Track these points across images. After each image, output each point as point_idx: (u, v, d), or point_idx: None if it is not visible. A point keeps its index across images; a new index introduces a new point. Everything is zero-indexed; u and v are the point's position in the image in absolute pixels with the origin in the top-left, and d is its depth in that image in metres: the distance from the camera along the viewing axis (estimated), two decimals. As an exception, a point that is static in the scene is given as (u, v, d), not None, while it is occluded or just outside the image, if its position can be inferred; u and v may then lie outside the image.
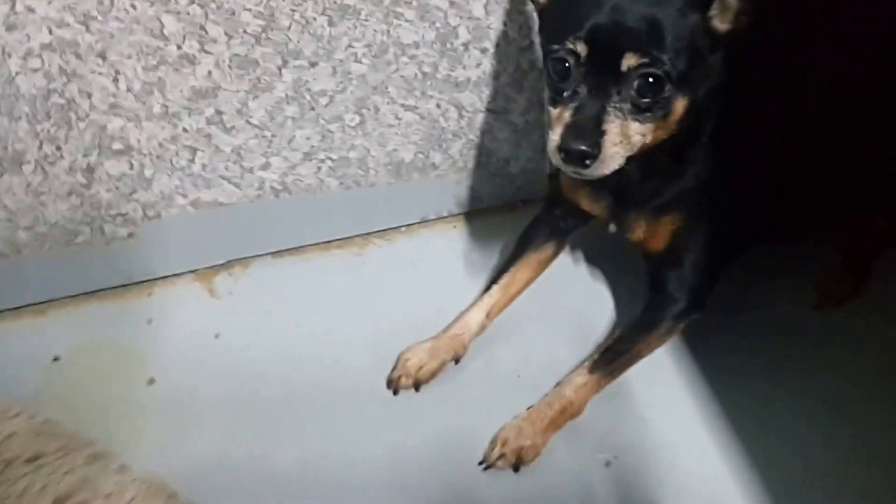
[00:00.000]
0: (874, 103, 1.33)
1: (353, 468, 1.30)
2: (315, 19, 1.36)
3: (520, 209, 1.69)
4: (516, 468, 1.28)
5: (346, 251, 1.64)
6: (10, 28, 1.23)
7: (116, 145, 1.39)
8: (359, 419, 1.37)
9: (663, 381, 1.40)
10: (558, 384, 1.34)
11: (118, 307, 1.54)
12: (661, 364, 1.41)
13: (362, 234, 1.65)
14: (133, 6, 1.27)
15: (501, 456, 1.28)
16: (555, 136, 1.09)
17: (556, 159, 1.10)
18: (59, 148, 1.36)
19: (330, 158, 1.52)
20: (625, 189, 1.26)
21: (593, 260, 1.60)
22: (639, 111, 1.09)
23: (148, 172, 1.43)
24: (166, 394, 1.42)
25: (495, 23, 1.45)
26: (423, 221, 1.68)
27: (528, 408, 1.33)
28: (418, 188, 1.62)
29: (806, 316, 1.48)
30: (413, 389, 1.40)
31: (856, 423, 1.34)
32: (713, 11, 1.10)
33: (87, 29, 1.27)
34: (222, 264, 1.60)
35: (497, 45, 1.48)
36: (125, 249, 1.51)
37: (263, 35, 1.35)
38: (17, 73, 1.27)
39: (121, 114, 1.36)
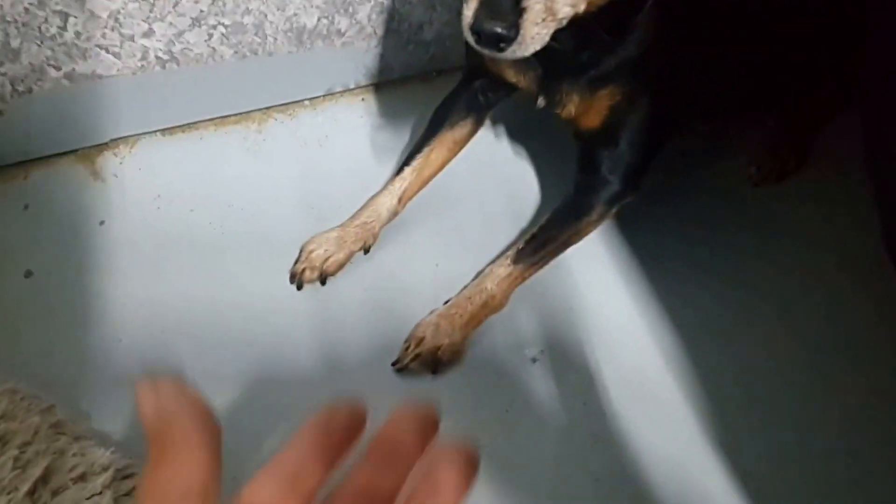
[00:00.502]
0: None
1: (250, 376, 1.19)
2: None
3: (435, 80, 1.55)
4: (434, 370, 1.18)
5: (243, 127, 1.48)
6: None
7: None
8: (260, 316, 1.25)
9: (593, 270, 1.32)
10: (478, 275, 1.24)
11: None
12: (591, 251, 1.32)
13: (261, 109, 1.49)
14: None
15: (416, 357, 1.17)
16: (468, 12, 0.91)
17: (469, 39, 0.93)
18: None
19: (222, 24, 1.35)
20: (556, 59, 1.07)
21: (516, 136, 1.48)
22: None
23: (14, 42, 1.25)
24: (45, 287, 1.27)
25: None
26: (329, 94, 1.52)
27: (446, 302, 1.22)
28: (322, 57, 1.46)
29: (744, 196, 1.40)
30: (319, 283, 1.28)
31: (781, 305, 1.29)
32: None
33: None
34: (106, 143, 1.42)
35: None
36: (-6, 128, 1.34)
37: None
38: None
39: None
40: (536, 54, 0.95)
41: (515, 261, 1.22)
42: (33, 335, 1.21)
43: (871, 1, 0.95)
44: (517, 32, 0.90)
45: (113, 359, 1.20)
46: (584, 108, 1.16)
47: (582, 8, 0.94)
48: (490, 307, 1.22)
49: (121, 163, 1.42)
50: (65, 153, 1.41)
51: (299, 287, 1.28)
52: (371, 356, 1.21)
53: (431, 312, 1.22)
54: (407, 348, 1.19)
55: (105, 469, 1.02)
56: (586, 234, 1.25)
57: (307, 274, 1.28)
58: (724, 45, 1.16)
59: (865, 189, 1.12)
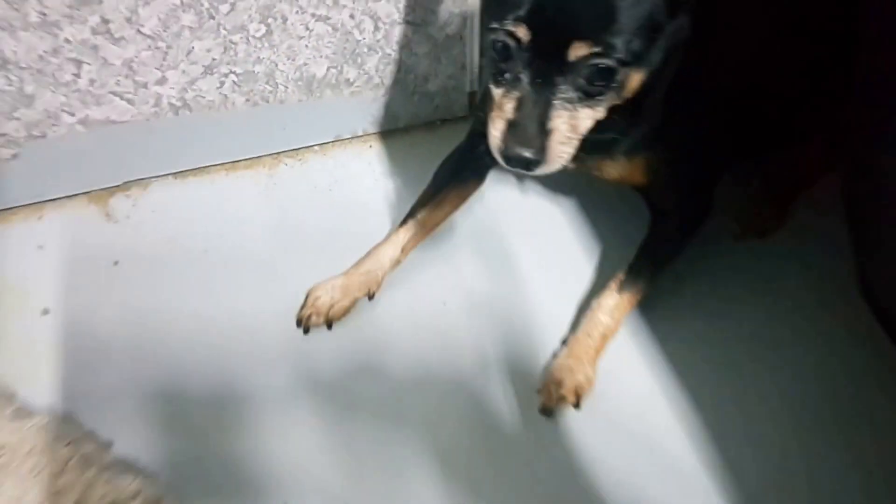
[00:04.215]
0: (805, 40, 1.20)
1: (265, 406, 1.15)
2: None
3: (439, 128, 1.52)
4: (577, 405, 1.15)
5: (254, 171, 1.45)
6: None
7: None
8: (269, 357, 1.21)
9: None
10: (589, 310, 1.21)
11: (5, 232, 1.34)
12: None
13: (272, 154, 1.47)
14: None
15: (561, 398, 1.14)
16: (496, 133, 0.95)
17: (498, 159, 0.95)
18: None
19: (234, 73, 1.32)
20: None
21: (512, 182, 1.44)
22: (589, 97, 0.94)
23: (28, 88, 1.22)
24: (63, 325, 1.24)
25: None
26: (338, 140, 1.49)
27: (563, 342, 1.21)
28: (331, 105, 1.43)
29: (727, 248, 1.36)
30: (325, 327, 1.23)
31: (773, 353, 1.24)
32: None
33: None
34: (119, 185, 1.40)
35: (415, -48, 1.28)
36: (9, 171, 1.30)
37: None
38: None
39: None
40: None
41: (620, 290, 1.20)
42: (52, 370, 1.18)
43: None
44: (545, 155, 0.93)
45: (129, 391, 1.16)
46: (626, 172, 1.18)
47: (601, 117, 0.96)
48: (608, 336, 1.20)
49: (134, 205, 1.39)
50: (78, 195, 1.38)
51: (306, 331, 1.23)
52: (371, 392, 1.16)
53: (555, 356, 1.20)
54: (549, 394, 1.16)
55: (134, 496, 1.01)
56: (673, 260, 1.26)
57: (313, 319, 1.24)
58: (729, 105, 1.16)
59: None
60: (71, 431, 1.08)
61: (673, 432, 1.15)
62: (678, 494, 1.08)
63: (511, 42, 0.93)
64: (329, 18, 1.31)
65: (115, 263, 1.32)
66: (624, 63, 0.92)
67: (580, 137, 0.96)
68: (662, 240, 1.25)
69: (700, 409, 1.17)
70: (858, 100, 1.06)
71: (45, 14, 1.15)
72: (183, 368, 1.20)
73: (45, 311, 1.26)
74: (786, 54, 1.20)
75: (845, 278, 1.22)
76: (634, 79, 0.95)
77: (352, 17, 1.32)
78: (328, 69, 1.37)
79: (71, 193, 1.37)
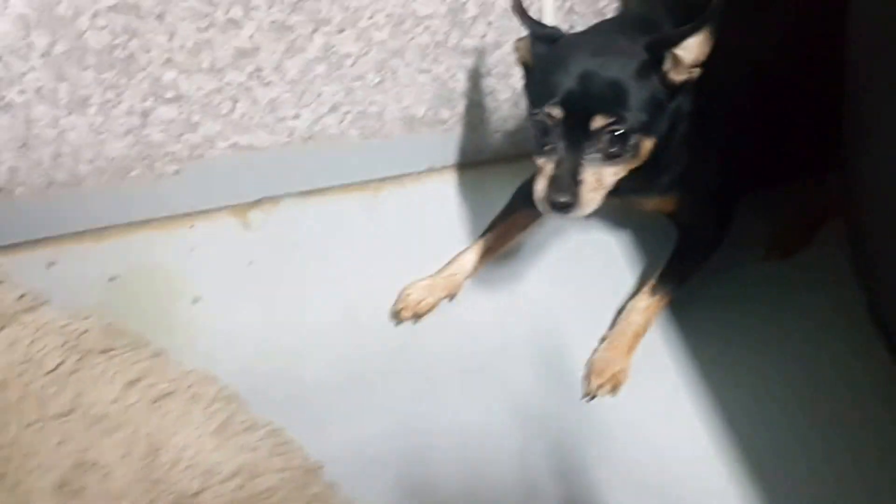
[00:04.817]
0: (817, 81, 1.40)
1: (361, 388, 1.43)
2: (344, -8, 1.45)
3: (515, 161, 1.78)
4: (613, 391, 1.42)
5: (363, 193, 1.74)
6: (82, -10, 1.33)
7: (169, 94, 1.48)
8: (370, 341, 1.49)
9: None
10: (624, 311, 1.47)
11: (165, 235, 1.65)
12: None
13: (378, 179, 1.75)
14: (188, -25, 1.36)
15: (601, 385, 1.41)
16: (540, 188, 1.22)
17: (542, 208, 1.23)
18: (119, 94, 1.46)
19: (352, 112, 1.62)
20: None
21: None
22: (610, 158, 1.21)
23: (195, 118, 1.53)
24: (209, 311, 1.54)
25: (500, 0, 1.54)
26: (431, 169, 1.78)
27: (603, 339, 1.46)
28: (428, 140, 1.72)
29: (752, 264, 1.59)
30: (414, 320, 1.51)
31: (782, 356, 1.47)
32: (667, 66, 1.21)
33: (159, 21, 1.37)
34: (256, 201, 1.70)
35: (500, 18, 1.57)
36: (172, 184, 1.61)
37: (298, 4, 1.44)
38: (86, 30, 1.37)
39: (174, 67, 1.45)
40: None
41: (652, 293, 1.46)
42: (200, 347, 1.47)
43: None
44: (577, 200, 1.20)
45: (260, 370, 1.45)
46: (660, 205, 1.46)
47: (623, 174, 1.24)
48: (640, 334, 1.46)
49: (266, 217, 1.69)
50: (223, 207, 1.68)
51: (397, 323, 1.51)
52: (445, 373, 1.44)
53: (595, 351, 1.45)
54: (590, 380, 1.42)
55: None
56: (697, 271, 1.50)
57: (404, 313, 1.51)
58: (747, 139, 1.41)
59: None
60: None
61: (690, 421, 1.39)
62: (691, 479, 1.32)
63: (549, 121, 1.21)
64: (430, 71, 1.60)
65: (250, 263, 1.62)
66: (633, 130, 1.19)
67: (607, 189, 1.22)
68: (688, 253, 1.49)
69: (718, 403, 1.40)
70: (846, 119, 1.28)
71: (214, 62, 1.46)
72: (299, 345, 1.49)
73: (196, 300, 1.56)
74: (794, 97, 1.41)
75: (857, 300, 1.43)
76: (646, 143, 1.22)
77: (448, 70, 1.61)
78: (426, 110, 1.66)
79: (217, 206, 1.68)
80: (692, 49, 1.19)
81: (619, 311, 1.49)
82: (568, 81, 1.19)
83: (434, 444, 1.36)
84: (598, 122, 1.19)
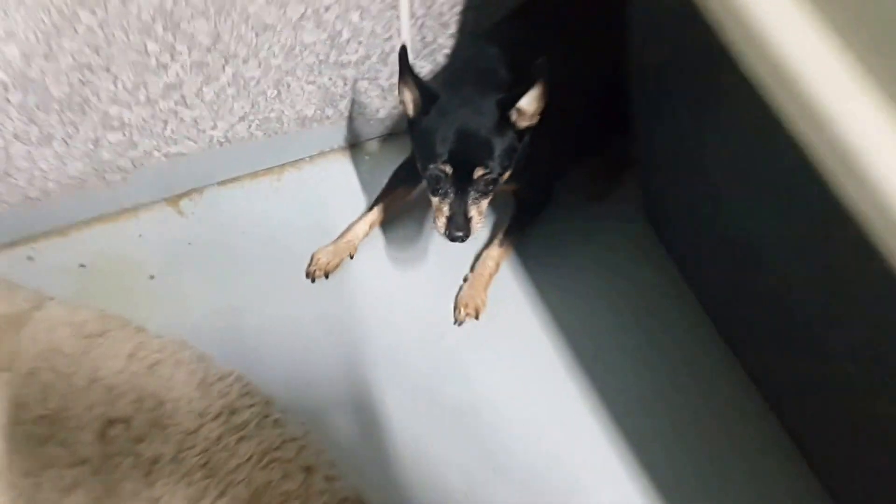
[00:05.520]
0: (601, 88, 1.87)
1: (291, 331, 1.88)
2: (245, 33, 1.87)
3: (386, 140, 2.22)
4: (477, 317, 1.87)
5: (269, 177, 2.12)
6: (46, 58, 1.71)
7: (115, 123, 1.87)
8: (293, 296, 1.94)
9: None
10: (480, 258, 1.93)
11: (118, 226, 2.02)
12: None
13: (279, 165, 2.15)
14: (126, 37, 1.75)
15: (467, 314, 1.86)
16: (440, 224, 1.65)
17: (444, 237, 1.65)
18: (77, 128, 1.84)
19: (257, 119, 2.05)
20: None
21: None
22: (486, 194, 1.65)
23: (135, 138, 1.93)
24: (164, 284, 1.94)
25: (367, 25, 1.98)
26: (321, 153, 2.20)
27: (465, 279, 1.92)
28: (318, 132, 2.14)
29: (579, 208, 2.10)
30: (324, 278, 1.95)
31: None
32: (514, 117, 1.60)
33: (97, 54, 1.75)
34: (186, 192, 2.08)
35: (368, 38, 2.01)
36: (120, 188, 2.01)
37: (212, 46, 1.85)
38: (50, 85, 1.75)
39: (118, 103, 1.84)
40: None
41: (501, 245, 1.92)
42: (161, 313, 1.91)
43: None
44: (470, 232, 1.65)
45: (210, 325, 1.92)
46: (505, 188, 1.80)
47: (492, 197, 1.69)
48: (494, 273, 1.91)
49: (196, 204, 2.08)
50: (160, 200, 2.10)
51: (312, 280, 1.96)
52: (360, 315, 1.94)
53: (461, 288, 1.91)
54: (459, 310, 1.87)
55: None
56: (533, 227, 1.98)
57: (317, 273, 1.96)
58: (563, 134, 1.83)
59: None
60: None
61: (534, 331, 1.89)
62: (538, 372, 1.84)
63: (440, 174, 1.61)
64: (316, 82, 2.03)
65: (189, 243, 2.04)
66: (501, 173, 1.63)
67: (484, 214, 1.66)
68: (525, 216, 1.98)
69: (554, 317, 1.90)
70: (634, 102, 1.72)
71: (149, 96, 1.87)
72: (239, 303, 1.92)
73: (152, 276, 1.97)
74: (590, 102, 1.87)
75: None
76: (506, 175, 1.66)
77: (330, 79, 2.06)
78: (315, 111, 2.10)
79: (156, 200, 2.09)
80: (532, 102, 1.58)
81: (476, 259, 1.98)
82: (451, 143, 1.59)
83: (334, 364, 1.85)
84: (477, 173, 1.60)
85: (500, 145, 1.61)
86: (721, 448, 1.73)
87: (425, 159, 1.65)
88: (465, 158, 1.60)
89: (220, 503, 1.49)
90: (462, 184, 1.61)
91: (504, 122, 1.60)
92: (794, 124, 1.02)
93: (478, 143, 1.60)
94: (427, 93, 1.64)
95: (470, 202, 1.62)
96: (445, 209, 1.64)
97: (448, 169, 1.60)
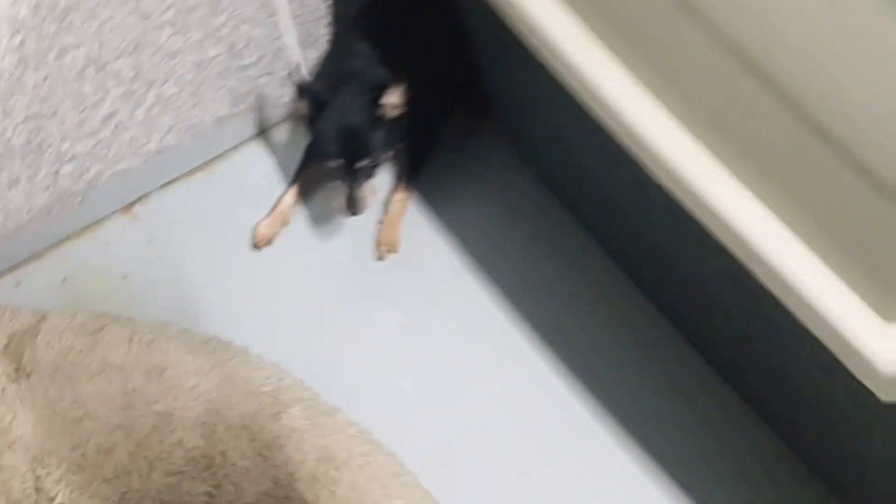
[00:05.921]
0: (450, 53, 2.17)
1: (251, 296, 2.21)
2: (160, 61, 2.22)
3: (291, 122, 2.54)
4: (393, 252, 2.17)
5: (203, 172, 2.33)
6: (4, 115, 2.05)
7: (68, 156, 2.15)
8: (244, 267, 2.33)
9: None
10: (389, 203, 2.21)
11: (87, 240, 2.26)
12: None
13: (208, 160, 2.38)
14: (66, 85, 2.09)
15: (386, 250, 2.15)
16: (339, 205, 2.07)
17: (345, 214, 2.04)
18: (37, 167, 2.18)
19: (182, 127, 2.38)
20: None
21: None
22: (371, 176, 2.01)
23: (86, 165, 2.22)
24: (136, 282, 2.20)
25: (258, 32, 2.34)
26: (241, 143, 2.50)
27: (380, 221, 2.20)
28: (234, 126, 2.46)
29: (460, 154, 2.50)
30: (269, 245, 2.21)
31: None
32: (381, 112, 1.95)
33: (45, 102, 2.08)
34: (135, 200, 2.30)
35: (260, 42, 2.38)
36: (81, 208, 2.32)
37: (134, 77, 2.20)
38: (11, 136, 2.09)
39: (68, 140, 2.13)
40: None
41: (404, 190, 2.21)
42: (138, 306, 2.30)
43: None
44: (362, 208, 2.04)
45: (173, 306, 2.31)
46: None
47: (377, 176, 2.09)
48: (402, 214, 2.19)
49: (146, 209, 2.27)
50: (116, 210, 2.40)
51: (259, 249, 2.33)
52: (304, 268, 2.36)
53: (379, 230, 2.21)
54: (379, 247, 2.18)
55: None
56: (423, 172, 2.27)
57: (260, 243, 2.22)
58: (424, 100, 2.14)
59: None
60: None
61: (443, 257, 2.16)
62: (444, 297, 2.17)
63: (333, 166, 1.97)
64: (224, 86, 2.39)
65: (148, 242, 2.32)
66: (381, 158, 1.99)
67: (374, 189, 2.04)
68: (418, 163, 2.32)
69: (457, 246, 2.20)
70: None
71: (92, 128, 2.23)
72: (202, 281, 2.28)
73: (125, 276, 2.30)
74: (444, 67, 2.21)
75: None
76: (388, 155, 2.03)
77: (235, 82, 2.42)
78: (229, 110, 2.47)
79: (112, 211, 2.39)
80: (395, 98, 1.94)
81: (386, 203, 2.34)
82: (340, 140, 1.99)
83: (285, 316, 2.25)
84: (362, 163, 1.97)
85: (377, 138, 2.01)
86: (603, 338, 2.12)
87: (319, 156, 2.10)
88: (350, 153, 2.00)
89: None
90: (352, 172, 2.01)
91: (378, 117, 1.98)
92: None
93: (357, 140, 2.00)
94: (317, 102, 2.05)
95: (359, 186, 2.03)
96: (342, 192, 2.05)
97: (336, 163, 2.02)
